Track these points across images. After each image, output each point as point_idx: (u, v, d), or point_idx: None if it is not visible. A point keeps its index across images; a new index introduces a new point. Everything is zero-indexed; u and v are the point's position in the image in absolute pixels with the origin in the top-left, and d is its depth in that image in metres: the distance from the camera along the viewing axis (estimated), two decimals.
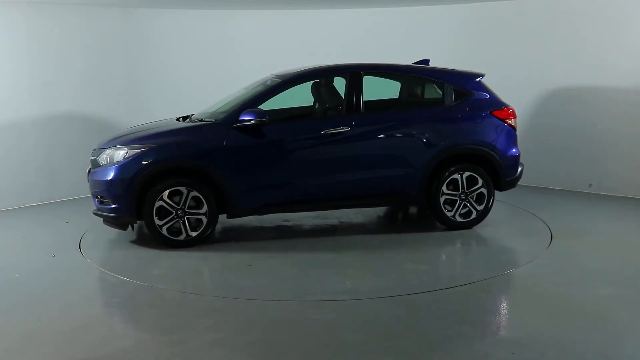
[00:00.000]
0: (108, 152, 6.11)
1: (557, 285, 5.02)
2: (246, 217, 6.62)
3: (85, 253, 6.04)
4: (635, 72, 7.70)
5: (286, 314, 4.52)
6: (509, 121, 6.49)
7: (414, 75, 6.75)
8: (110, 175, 5.95)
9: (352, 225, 6.89)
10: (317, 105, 6.95)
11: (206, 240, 6.15)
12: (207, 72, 9.39)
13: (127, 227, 6.20)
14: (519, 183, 6.77)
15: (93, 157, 6.30)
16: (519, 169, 6.64)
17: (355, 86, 6.30)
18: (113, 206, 6.00)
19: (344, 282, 5.15)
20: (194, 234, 6.01)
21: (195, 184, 5.93)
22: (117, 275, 5.43)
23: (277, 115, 6.64)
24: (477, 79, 6.59)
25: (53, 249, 6.15)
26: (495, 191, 6.52)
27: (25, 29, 7.88)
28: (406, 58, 7.26)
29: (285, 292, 4.95)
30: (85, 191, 8.46)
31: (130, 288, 5.18)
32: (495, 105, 6.49)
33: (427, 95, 6.81)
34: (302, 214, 7.20)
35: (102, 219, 6.27)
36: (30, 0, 7.81)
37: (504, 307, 4.72)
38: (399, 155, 6.30)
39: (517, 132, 6.66)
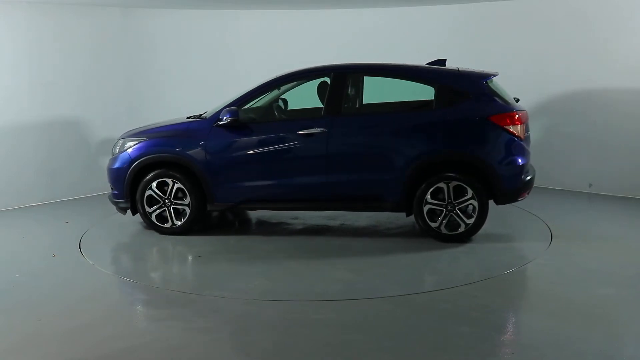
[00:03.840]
0: (119, 143, 6.69)
1: (557, 285, 5.02)
2: (259, 212, 7.17)
3: (85, 253, 6.04)
4: (636, 72, 7.70)
5: (286, 314, 4.52)
6: (510, 127, 5.90)
7: (405, 76, 6.40)
8: (114, 164, 6.59)
9: (352, 227, 6.87)
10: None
11: (204, 231, 6.56)
12: (207, 71, 9.40)
13: (126, 212, 6.66)
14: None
15: (113, 147, 6.83)
16: (524, 180, 6.03)
17: (338, 87, 6.24)
18: (115, 192, 6.61)
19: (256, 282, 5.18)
20: (178, 223, 6.43)
21: (180, 176, 6.33)
22: (117, 275, 5.43)
23: (269, 114, 6.76)
24: (483, 81, 6.07)
25: (53, 249, 6.15)
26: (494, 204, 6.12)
27: (25, 28, 7.88)
28: (409, 58, 7.14)
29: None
30: (85, 191, 8.53)
31: (130, 288, 5.19)
32: (495, 109, 5.95)
33: (418, 96, 6.60)
34: (311, 214, 7.21)
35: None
36: (31, 0, 7.81)
37: (503, 307, 4.71)
38: (376, 159, 6.09)
39: None
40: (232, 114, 6.19)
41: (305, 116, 6.82)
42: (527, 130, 6.15)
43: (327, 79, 6.47)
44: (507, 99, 6.12)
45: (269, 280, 5.24)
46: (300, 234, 6.63)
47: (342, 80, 6.27)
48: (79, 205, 8.11)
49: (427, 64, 6.56)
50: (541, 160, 8.32)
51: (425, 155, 5.98)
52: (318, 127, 6.11)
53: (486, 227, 6.38)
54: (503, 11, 8.66)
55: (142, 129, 6.77)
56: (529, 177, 6.12)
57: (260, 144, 6.26)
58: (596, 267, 5.40)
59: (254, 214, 7.39)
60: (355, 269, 5.46)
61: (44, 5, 8.00)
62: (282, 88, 6.77)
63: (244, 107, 6.39)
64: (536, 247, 5.97)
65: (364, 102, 6.85)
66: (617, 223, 6.87)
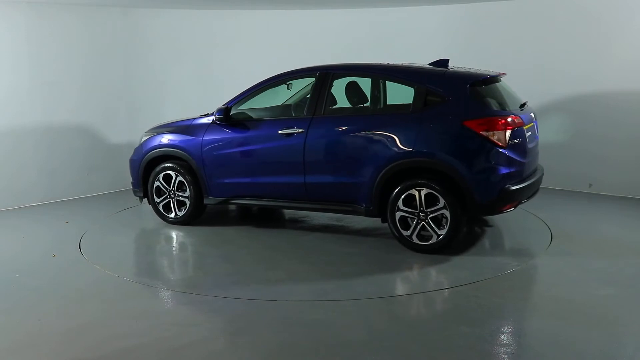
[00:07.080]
0: (142, 136, 7.15)
1: (557, 285, 5.02)
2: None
3: (85, 253, 6.04)
4: (636, 71, 7.69)
5: (286, 314, 4.52)
6: (486, 133, 5.40)
7: (388, 77, 6.35)
8: (132, 156, 7.16)
9: (353, 228, 6.86)
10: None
11: (208, 224, 6.90)
12: (207, 71, 9.40)
13: (142, 200, 7.09)
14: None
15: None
16: (507, 190, 5.49)
17: (322, 87, 6.19)
18: (132, 182, 7.16)
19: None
20: (180, 214, 6.81)
21: (181, 170, 6.71)
22: (117, 275, 5.43)
23: (265, 114, 6.80)
24: (467, 82, 5.66)
25: (53, 249, 6.15)
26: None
27: (25, 29, 7.87)
28: (411, 58, 7.11)
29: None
30: (85, 191, 8.53)
31: (131, 288, 5.19)
32: (471, 113, 5.49)
33: (397, 98, 6.45)
34: (319, 213, 7.16)
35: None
36: (31, 1, 7.81)
37: (503, 307, 4.71)
38: (348, 162, 5.94)
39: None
40: (220, 112, 6.45)
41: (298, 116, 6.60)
42: (517, 137, 5.57)
43: (356, 80, 6.45)
44: (503, 102, 5.75)
45: (266, 279, 5.25)
46: (302, 232, 6.63)
47: (324, 81, 6.21)
48: (79, 205, 8.11)
49: (429, 64, 6.35)
50: (541, 160, 8.32)
51: (397, 160, 5.67)
52: (297, 128, 6.14)
53: (486, 228, 6.40)
54: (501, 11, 8.64)
55: (159, 124, 7.15)
56: (514, 188, 5.54)
57: (246, 142, 6.42)
58: (596, 267, 5.40)
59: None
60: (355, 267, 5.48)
61: (44, 5, 7.99)
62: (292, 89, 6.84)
63: (240, 107, 6.56)
64: (536, 247, 5.97)
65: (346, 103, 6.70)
66: (617, 223, 6.87)
